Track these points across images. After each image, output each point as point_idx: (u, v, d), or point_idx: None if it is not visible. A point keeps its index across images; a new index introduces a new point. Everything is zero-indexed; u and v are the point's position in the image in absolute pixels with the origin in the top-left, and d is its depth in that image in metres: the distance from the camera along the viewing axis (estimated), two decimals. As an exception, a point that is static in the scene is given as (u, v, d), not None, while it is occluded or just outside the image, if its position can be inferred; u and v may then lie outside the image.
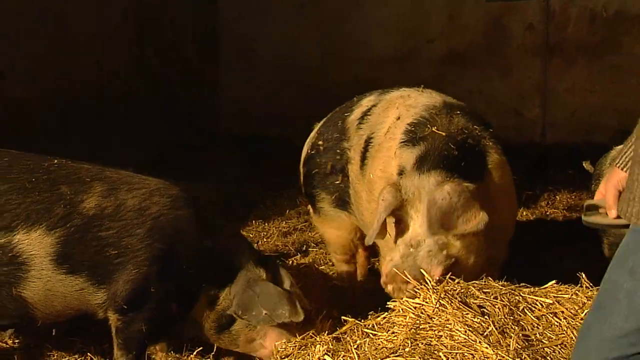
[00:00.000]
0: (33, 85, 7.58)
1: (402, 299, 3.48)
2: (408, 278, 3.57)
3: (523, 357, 3.12)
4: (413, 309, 3.41)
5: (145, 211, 3.64)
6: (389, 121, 4.32)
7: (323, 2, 9.57)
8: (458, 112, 4.16)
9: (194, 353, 3.64)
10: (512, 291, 3.58)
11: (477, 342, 3.19)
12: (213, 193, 6.83)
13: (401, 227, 3.74)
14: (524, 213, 6.72)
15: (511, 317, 3.40)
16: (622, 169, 2.63)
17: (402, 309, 3.43)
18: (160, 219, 3.65)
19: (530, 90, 9.07)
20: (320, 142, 4.65)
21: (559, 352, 3.23)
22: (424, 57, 9.26)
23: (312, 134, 4.90)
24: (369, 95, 4.79)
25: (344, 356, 3.26)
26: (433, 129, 3.96)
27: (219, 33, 10.33)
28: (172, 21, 9.64)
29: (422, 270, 3.58)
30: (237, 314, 3.67)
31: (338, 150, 4.53)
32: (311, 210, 4.98)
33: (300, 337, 3.63)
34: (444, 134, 3.92)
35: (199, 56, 10.18)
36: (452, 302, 3.42)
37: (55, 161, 3.71)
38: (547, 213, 6.69)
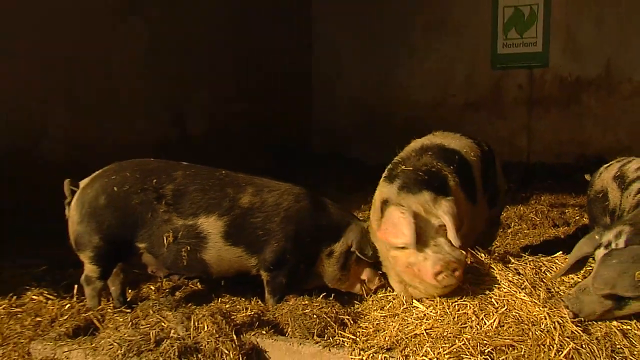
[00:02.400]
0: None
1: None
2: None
3: (548, 304, 2.96)
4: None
5: (280, 205, 3.61)
6: None
7: (384, 61, 9.37)
8: (429, 152, 3.49)
9: (320, 296, 3.51)
10: (536, 259, 3.40)
11: (517, 292, 3.04)
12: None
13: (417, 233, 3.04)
14: (521, 208, 6.44)
15: (537, 276, 3.22)
16: None
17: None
18: (289, 210, 3.61)
19: (519, 129, 8.86)
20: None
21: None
22: (449, 102, 9.08)
23: None
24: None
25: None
26: (402, 167, 3.36)
27: (313, 77, 10.09)
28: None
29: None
30: (358, 252, 3.58)
31: None
32: None
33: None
34: (410, 168, 3.31)
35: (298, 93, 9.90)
36: (497, 265, 3.26)
37: (223, 172, 3.72)
38: (537, 208, 6.40)
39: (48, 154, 5.92)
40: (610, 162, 4.21)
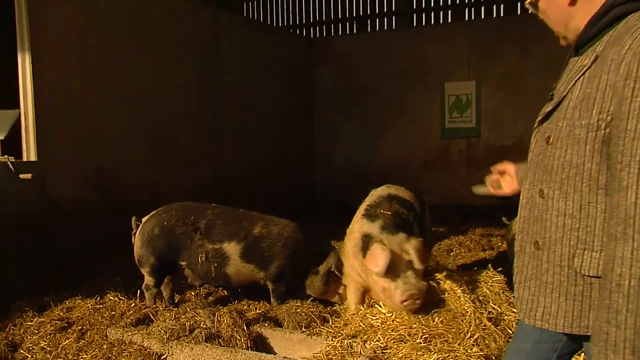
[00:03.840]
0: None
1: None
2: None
3: (480, 300, 2.95)
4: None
5: (282, 235, 3.55)
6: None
7: (368, 134, 9.30)
8: (395, 200, 3.23)
9: (308, 300, 3.47)
10: (472, 275, 3.32)
11: (454, 295, 2.99)
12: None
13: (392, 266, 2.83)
14: (461, 237, 6.30)
15: (469, 286, 3.13)
16: None
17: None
18: (288, 238, 3.55)
19: (461, 182, 8.66)
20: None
21: (491, 298, 3.04)
22: (412, 163, 9.00)
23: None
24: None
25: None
26: (382, 211, 3.09)
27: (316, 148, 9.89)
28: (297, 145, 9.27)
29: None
30: (336, 271, 3.48)
31: None
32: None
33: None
34: (389, 213, 3.07)
35: (304, 157, 9.69)
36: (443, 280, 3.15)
37: (241, 210, 3.68)
38: (472, 237, 6.28)
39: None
40: None
